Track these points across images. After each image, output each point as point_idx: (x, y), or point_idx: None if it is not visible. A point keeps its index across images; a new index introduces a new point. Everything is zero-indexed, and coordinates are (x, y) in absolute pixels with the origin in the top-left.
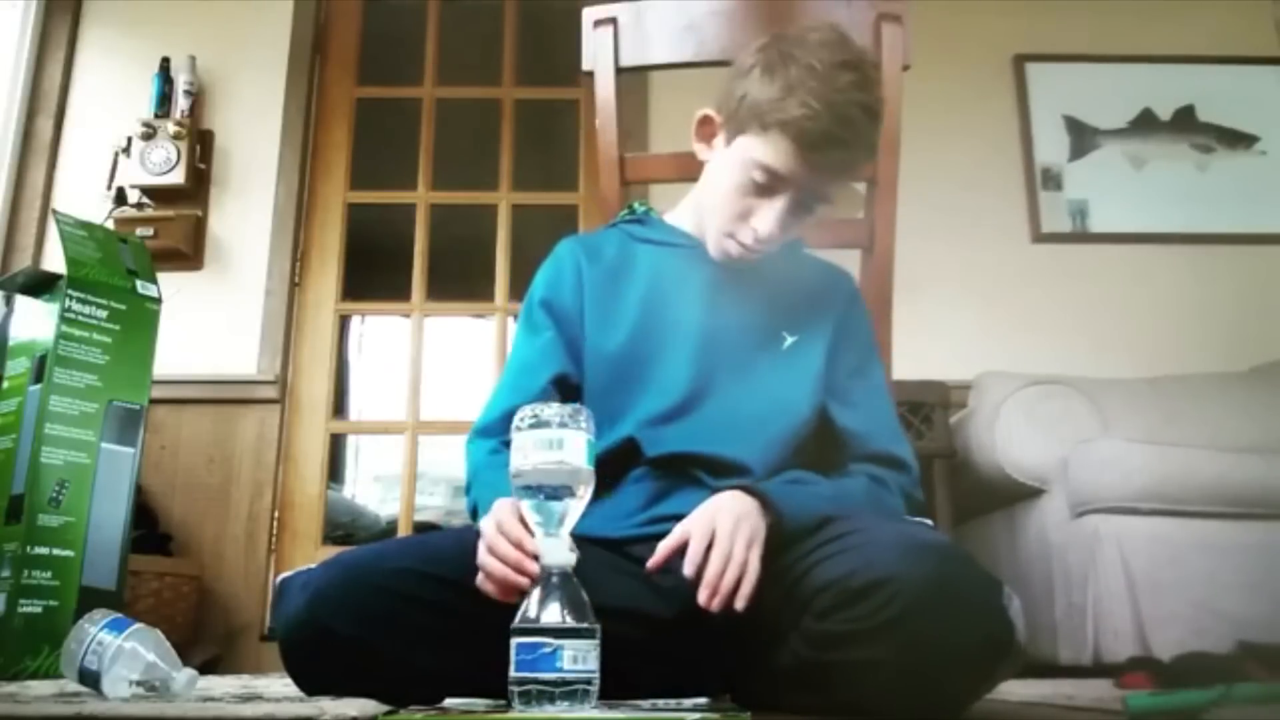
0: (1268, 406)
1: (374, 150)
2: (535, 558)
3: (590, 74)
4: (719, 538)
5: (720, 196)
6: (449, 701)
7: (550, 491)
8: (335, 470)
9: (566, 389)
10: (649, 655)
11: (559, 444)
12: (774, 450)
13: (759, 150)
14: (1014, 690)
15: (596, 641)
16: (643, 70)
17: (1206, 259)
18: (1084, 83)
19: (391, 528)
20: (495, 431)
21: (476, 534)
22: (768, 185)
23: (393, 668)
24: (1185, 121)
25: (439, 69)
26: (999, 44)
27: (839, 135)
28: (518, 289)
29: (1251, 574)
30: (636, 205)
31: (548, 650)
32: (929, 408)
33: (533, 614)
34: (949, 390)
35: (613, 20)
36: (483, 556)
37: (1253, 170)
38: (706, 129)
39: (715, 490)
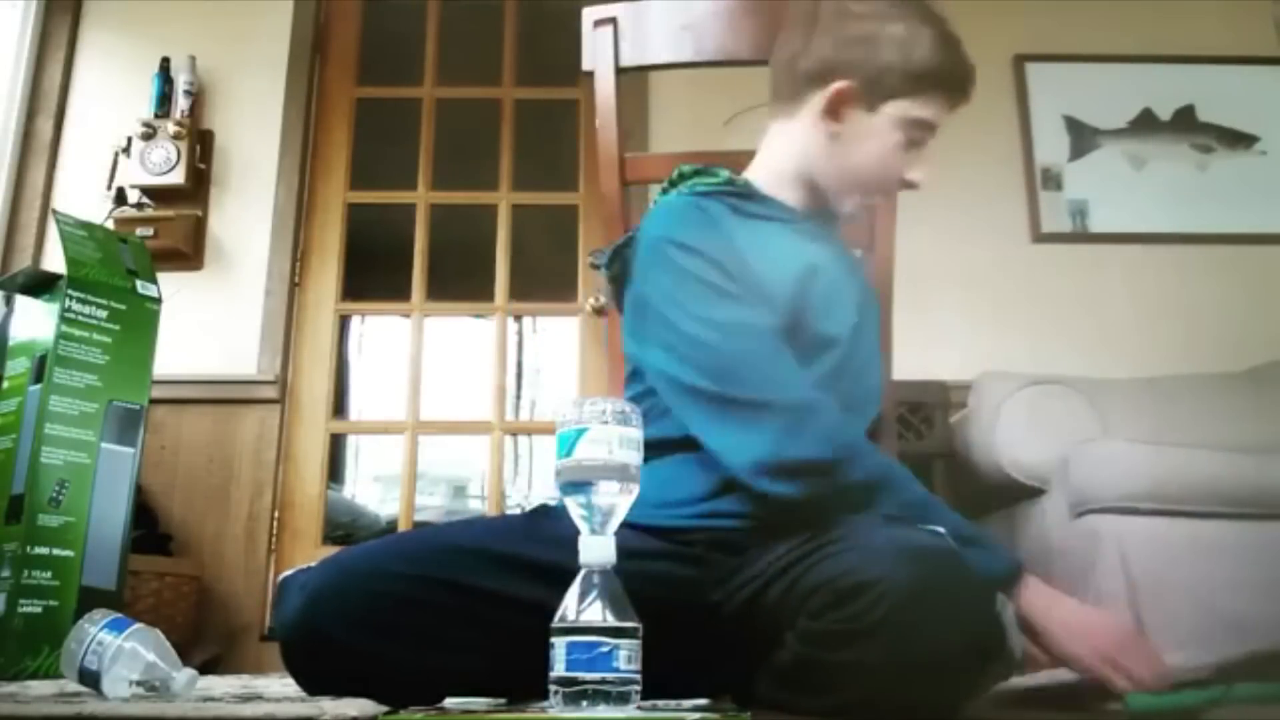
0: (1267, 406)
1: (374, 150)
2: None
3: (590, 74)
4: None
5: (873, 160)
6: (449, 701)
7: (613, 490)
8: (335, 470)
9: None
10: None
11: (630, 441)
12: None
13: (913, 109)
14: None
15: (639, 641)
16: (643, 70)
17: (1206, 259)
18: (1084, 83)
19: (391, 528)
20: None
21: (476, 530)
22: (921, 139)
23: (391, 668)
24: (1185, 121)
25: (439, 69)
26: (999, 44)
27: (971, 72)
28: (518, 289)
29: (1252, 574)
30: (725, 174)
31: (605, 650)
32: (929, 408)
33: (574, 613)
34: (949, 390)
35: (613, 20)
36: None
37: (1253, 170)
38: (845, 103)
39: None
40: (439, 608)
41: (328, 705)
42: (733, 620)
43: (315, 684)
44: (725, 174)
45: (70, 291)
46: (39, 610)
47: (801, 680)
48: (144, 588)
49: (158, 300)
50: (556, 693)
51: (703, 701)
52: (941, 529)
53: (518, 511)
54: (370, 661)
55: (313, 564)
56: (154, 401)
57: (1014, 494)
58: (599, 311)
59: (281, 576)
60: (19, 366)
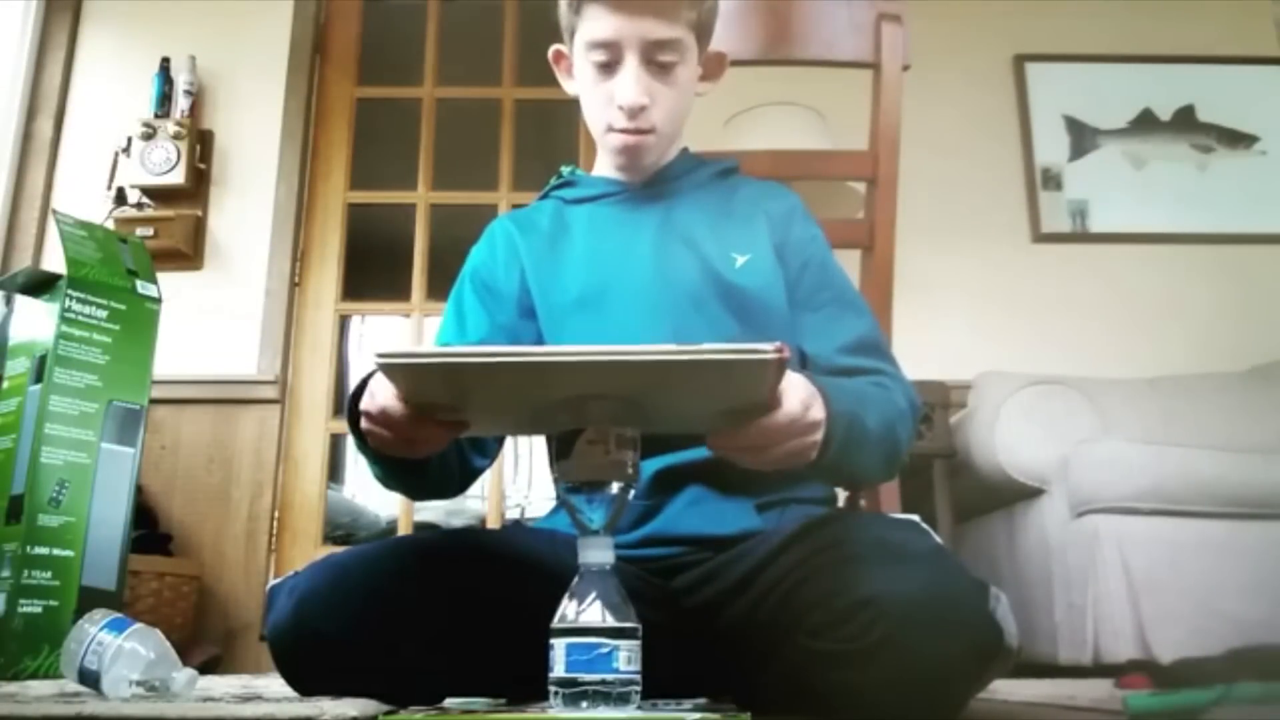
0: (1267, 406)
1: (374, 150)
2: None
3: None
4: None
5: (587, 102)
6: (449, 701)
7: (611, 490)
8: (335, 470)
9: None
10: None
11: (629, 441)
12: None
13: (585, 34)
14: (1014, 690)
15: (639, 641)
16: None
17: (1206, 259)
18: (1084, 83)
19: (391, 528)
20: None
21: (471, 534)
22: (609, 60)
23: (383, 669)
24: (1185, 121)
25: (439, 69)
26: (999, 44)
27: None
28: None
29: (1251, 574)
30: (564, 169)
31: (604, 651)
32: (929, 408)
33: (574, 614)
34: (949, 390)
35: None
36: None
37: (1253, 170)
38: (562, 62)
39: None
40: (432, 606)
41: (328, 705)
42: (727, 631)
43: (309, 685)
44: (567, 169)
45: (70, 291)
46: (39, 610)
47: (804, 697)
48: (144, 588)
49: (158, 300)
50: (556, 694)
51: (702, 701)
52: (916, 517)
53: (518, 511)
54: (363, 660)
55: (299, 569)
56: (154, 401)
57: (1014, 494)
58: None
59: (270, 585)
60: (19, 366)
